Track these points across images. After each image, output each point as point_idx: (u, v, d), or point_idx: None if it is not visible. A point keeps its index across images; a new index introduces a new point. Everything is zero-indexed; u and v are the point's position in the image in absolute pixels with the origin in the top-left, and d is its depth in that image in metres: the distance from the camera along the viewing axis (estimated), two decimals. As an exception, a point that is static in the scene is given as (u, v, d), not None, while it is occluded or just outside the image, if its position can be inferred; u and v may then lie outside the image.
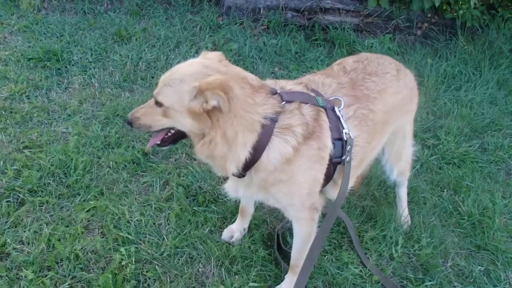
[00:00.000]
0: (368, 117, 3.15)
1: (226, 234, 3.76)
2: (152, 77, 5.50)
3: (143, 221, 3.78)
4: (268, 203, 3.17)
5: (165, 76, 2.74)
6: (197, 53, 5.98)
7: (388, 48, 6.53)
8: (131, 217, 3.78)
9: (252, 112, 2.69)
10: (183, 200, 3.96)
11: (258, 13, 6.81)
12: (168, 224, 3.79)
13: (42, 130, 4.56)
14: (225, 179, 3.12)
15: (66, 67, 5.54)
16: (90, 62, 5.66)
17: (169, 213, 3.86)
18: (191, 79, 2.62)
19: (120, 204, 3.88)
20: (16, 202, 3.81)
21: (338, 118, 2.97)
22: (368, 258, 3.76)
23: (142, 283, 3.38)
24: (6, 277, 3.29)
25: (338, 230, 3.95)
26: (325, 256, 3.74)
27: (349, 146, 2.95)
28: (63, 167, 4.13)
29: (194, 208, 3.90)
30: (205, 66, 2.72)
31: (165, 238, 3.67)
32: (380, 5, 6.92)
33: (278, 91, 2.85)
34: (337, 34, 6.67)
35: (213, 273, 3.50)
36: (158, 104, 2.71)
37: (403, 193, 4.17)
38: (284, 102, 2.80)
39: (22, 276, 3.30)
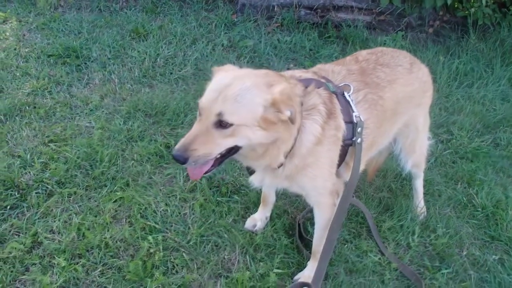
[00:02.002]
0: (377, 103, 3.21)
1: (249, 223, 3.86)
2: (171, 73, 5.60)
3: (168, 211, 3.87)
4: (291, 190, 3.24)
5: (219, 94, 2.53)
6: (213, 49, 6.11)
7: (401, 46, 6.60)
8: (157, 207, 3.87)
9: (298, 100, 2.78)
10: (207, 191, 4.05)
11: (272, 10, 6.90)
12: (193, 214, 3.88)
13: (66, 124, 4.66)
14: (250, 172, 3.14)
15: (85, 63, 5.64)
16: (109, 59, 5.75)
17: (193, 203, 3.95)
18: (259, 91, 2.55)
19: (146, 195, 3.97)
20: (45, 194, 3.92)
21: (348, 102, 3.03)
22: (386, 246, 3.85)
23: (171, 270, 3.49)
24: (40, 265, 3.40)
25: (357, 220, 4.05)
26: (345, 244, 3.84)
27: (359, 128, 3.01)
28: (89, 159, 4.23)
29: (218, 198, 3.99)
30: (255, 75, 2.70)
31: (191, 227, 3.77)
32: (392, 3, 6.99)
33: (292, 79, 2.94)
34: (350, 32, 6.76)
35: (238, 260, 3.60)
36: (224, 125, 2.51)
37: (419, 185, 4.24)
38: (304, 87, 2.88)
39: (54, 264, 3.40)
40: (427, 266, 3.78)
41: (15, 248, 3.46)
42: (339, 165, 3.14)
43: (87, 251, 3.53)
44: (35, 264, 3.40)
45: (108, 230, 3.67)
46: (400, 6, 7.07)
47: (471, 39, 6.91)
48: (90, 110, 4.91)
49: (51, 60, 5.62)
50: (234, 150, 2.67)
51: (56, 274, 3.35)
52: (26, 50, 5.77)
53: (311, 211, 3.71)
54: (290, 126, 2.66)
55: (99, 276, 3.39)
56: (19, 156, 4.23)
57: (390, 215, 4.14)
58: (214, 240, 3.71)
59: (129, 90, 5.24)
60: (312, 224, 3.77)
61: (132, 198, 3.91)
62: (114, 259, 3.49)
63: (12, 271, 3.32)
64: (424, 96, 3.69)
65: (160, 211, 3.86)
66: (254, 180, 3.17)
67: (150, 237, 3.64)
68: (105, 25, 6.51)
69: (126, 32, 6.27)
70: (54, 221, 3.71)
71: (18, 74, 5.34)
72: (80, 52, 5.70)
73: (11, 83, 5.18)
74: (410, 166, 3.98)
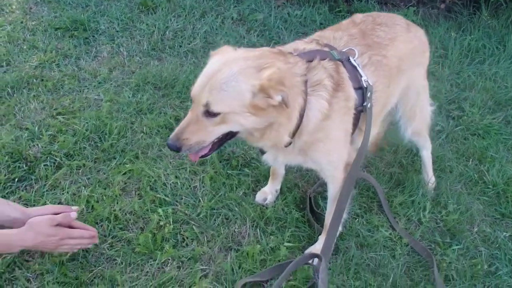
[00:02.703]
0: (382, 62, 3.18)
1: (259, 196, 3.83)
2: (180, 46, 5.53)
3: (178, 183, 3.84)
4: (306, 165, 3.22)
5: (206, 82, 2.54)
6: (223, 23, 6.04)
7: (412, 21, 6.49)
8: (166, 180, 3.85)
9: (297, 80, 2.71)
10: (217, 164, 4.02)
11: (283, -16, 6.80)
12: (203, 187, 3.86)
13: (74, 97, 4.62)
14: (262, 151, 3.11)
15: (93, 36, 5.57)
16: (117, 32, 5.68)
17: (203, 176, 3.93)
18: (246, 77, 2.52)
19: (155, 168, 3.94)
20: (53, 166, 3.88)
21: (355, 67, 3.00)
22: (397, 222, 3.83)
23: (180, 242, 3.47)
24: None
25: (368, 195, 4.02)
26: (356, 219, 3.82)
27: (369, 93, 3.00)
28: (98, 132, 4.20)
29: (228, 171, 3.96)
30: (246, 58, 2.62)
31: (201, 200, 3.75)
32: (404, -23, 6.91)
33: (296, 53, 2.87)
34: (361, 6, 6.66)
35: (248, 233, 3.59)
36: (212, 114, 2.52)
37: (426, 157, 4.17)
38: (307, 63, 2.81)
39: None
40: (438, 242, 3.76)
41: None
42: (352, 132, 3.14)
43: (96, 223, 3.51)
44: (44, 235, 3.36)
45: (117, 203, 3.64)
46: (412, -20, 6.97)
47: (483, 15, 6.80)
48: (99, 83, 4.86)
49: (59, 33, 5.55)
50: (230, 135, 2.71)
51: (65, 245, 3.30)
52: (33, 23, 5.70)
53: (321, 185, 3.75)
54: (285, 109, 2.60)
55: (108, 249, 3.37)
56: (26, 129, 4.19)
57: (401, 190, 4.11)
58: (224, 213, 3.69)
59: (138, 63, 5.19)
60: (323, 198, 3.80)
61: (141, 171, 3.88)
62: (124, 232, 3.47)
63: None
64: (423, 56, 3.65)
65: (170, 184, 3.83)
66: (268, 159, 3.16)
67: (160, 210, 3.61)
68: (113, -3, 6.42)
69: (134, 5, 6.18)
70: (63, 194, 3.69)
71: (25, 47, 5.28)
72: (88, 25, 5.63)
73: (18, 56, 5.13)
74: (410, 133, 3.85)
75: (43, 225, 2.95)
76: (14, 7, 5.98)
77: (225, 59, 2.60)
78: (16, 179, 3.74)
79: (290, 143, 2.84)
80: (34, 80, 4.77)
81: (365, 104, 3.01)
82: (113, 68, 5.08)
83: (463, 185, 4.31)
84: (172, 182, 3.84)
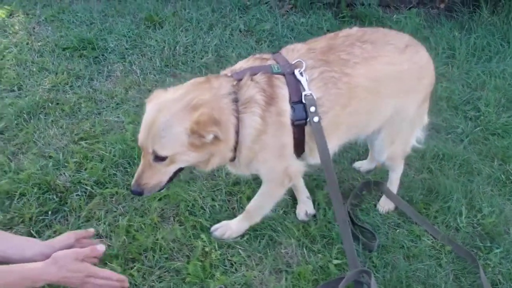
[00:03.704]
0: (340, 80, 3.06)
1: (300, 213, 3.79)
2: (192, 61, 5.45)
3: (216, 206, 3.77)
4: (257, 173, 3.34)
5: (148, 131, 2.75)
6: (231, 35, 5.96)
7: (415, 23, 6.49)
8: (204, 203, 3.77)
9: (225, 101, 2.86)
10: (251, 183, 3.94)
11: (285, -8, 6.75)
12: (242, 208, 3.76)
13: (94, 120, 4.52)
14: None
15: (103, 55, 5.47)
16: (127, 49, 5.59)
17: (240, 196, 3.86)
18: (178, 121, 2.71)
19: (190, 191, 3.85)
20: (85, 196, 3.78)
21: (298, 81, 2.97)
22: (437, 229, 3.78)
23: (229, 268, 3.38)
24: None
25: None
26: (397, 229, 3.79)
27: (312, 107, 2.96)
28: (126, 156, 4.10)
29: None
30: (175, 100, 2.79)
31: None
32: (404, -22, 6.89)
33: (229, 74, 3.02)
34: (363, 11, 6.62)
35: (296, 253, 3.52)
36: (160, 158, 2.76)
37: (393, 178, 4.00)
38: (236, 81, 2.91)
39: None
40: (479, 246, 3.71)
41: (64, 255, 3.31)
42: (298, 146, 3.14)
43: (140, 254, 3.40)
44: (88, 270, 3.25)
45: (158, 231, 3.53)
46: (411, -19, 6.96)
47: (483, 13, 6.79)
48: (117, 104, 4.77)
49: (67, 53, 5.45)
50: (179, 169, 2.93)
51: (112, 281, 3.20)
52: (39, 44, 5.59)
53: (356, 197, 3.83)
54: (221, 141, 2.80)
55: (157, 281, 3.27)
56: (50, 157, 4.09)
57: (435, 196, 4.06)
58: (268, 235, 3.61)
59: (153, 80, 5.11)
60: (361, 210, 3.73)
61: (177, 195, 3.78)
62: (170, 262, 3.37)
63: None
64: (418, 82, 3.40)
65: (208, 207, 3.75)
66: (233, 170, 3.34)
67: (203, 235, 3.53)
68: (116, 14, 6.31)
69: (140, 21, 6.10)
70: (99, 224, 3.59)
71: (34, 69, 5.18)
72: (96, 44, 5.53)
73: (29, 80, 5.03)
74: (385, 158, 3.72)
75: (67, 259, 2.86)
76: (17, 27, 5.87)
77: (158, 105, 2.78)
78: (49, 212, 3.62)
79: (234, 158, 3.04)
80: (50, 104, 4.67)
81: (308, 119, 2.99)
82: (128, 87, 4.99)
83: (493, 186, 4.27)
84: (210, 205, 3.76)
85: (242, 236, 3.59)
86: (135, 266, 3.32)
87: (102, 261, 3.29)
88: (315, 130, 2.99)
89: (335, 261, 3.48)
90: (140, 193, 2.88)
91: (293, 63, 3.02)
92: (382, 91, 3.23)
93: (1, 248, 2.94)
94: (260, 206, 3.48)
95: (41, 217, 3.60)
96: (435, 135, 4.74)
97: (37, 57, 5.38)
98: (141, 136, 2.78)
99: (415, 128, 3.67)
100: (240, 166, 3.13)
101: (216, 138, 2.74)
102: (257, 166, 3.17)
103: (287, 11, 6.59)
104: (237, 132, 2.89)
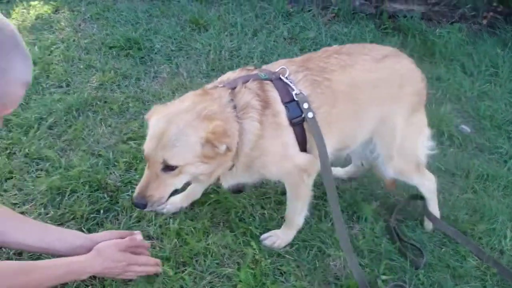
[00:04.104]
0: (322, 83, 3.16)
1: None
2: (237, 66, 5.44)
3: (266, 214, 3.77)
4: (255, 179, 3.39)
5: (158, 141, 2.74)
6: (275, 41, 5.98)
7: (457, 38, 6.48)
8: (253, 211, 3.77)
9: (228, 110, 2.91)
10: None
11: (327, 1, 6.78)
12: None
13: (142, 121, 4.51)
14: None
15: (149, 55, 5.51)
16: (173, 51, 5.62)
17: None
18: (193, 130, 2.73)
19: (240, 198, 3.86)
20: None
21: (286, 83, 3.07)
22: (482, 250, 3.76)
23: (279, 277, 3.39)
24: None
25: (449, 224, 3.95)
26: (442, 248, 3.77)
27: (305, 103, 3.04)
28: (175, 159, 4.10)
29: (314, 201, 3.84)
30: (185, 111, 2.82)
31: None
32: (447, -7, 6.90)
33: (221, 84, 3.08)
34: (407, 23, 6.62)
35: (343, 266, 3.51)
36: (170, 168, 2.74)
37: (426, 193, 3.89)
38: (230, 90, 2.99)
39: (160, 272, 3.26)
40: (525, 270, 3.68)
41: (116, 256, 3.34)
42: (303, 143, 3.16)
43: (191, 258, 3.41)
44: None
45: (209, 236, 3.55)
46: (455, -4, 6.96)
47: (526, 31, 6.78)
48: (164, 105, 4.77)
49: (114, 52, 5.49)
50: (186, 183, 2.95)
51: (163, 283, 3.21)
52: (86, 41, 5.64)
53: (400, 211, 3.87)
54: (230, 152, 2.85)
55: (208, 286, 3.27)
56: (100, 155, 4.11)
57: (480, 217, 4.05)
58: (317, 246, 3.61)
59: (199, 84, 5.07)
60: (408, 227, 3.74)
61: (228, 201, 3.79)
62: (222, 268, 3.37)
63: (115, 281, 3.15)
64: (400, 91, 3.39)
65: (258, 215, 3.75)
66: (224, 184, 3.34)
67: (253, 243, 3.53)
68: (161, 15, 6.36)
69: (184, 23, 6.14)
70: (149, 226, 3.59)
71: (82, 66, 5.22)
72: (142, 44, 5.57)
73: (77, 76, 5.06)
74: (392, 172, 3.63)
75: (111, 250, 2.91)
76: (63, 23, 5.92)
77: (167, 117, 2.80)
78: (101, 211, 3.64)
79: (233, 165, 3.04)
80: (98, 102, 4.70)
81: (303, 115, 3.04)
82: (175, 89, 5.01)
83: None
84: (260, 213, 3.76)
85: (292, 245, 3.59)
86: (186, 269, 3.32)
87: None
88: (311, 125, 3.04)
89: (383, 277, 3.47)
90: (144, 206, 2.82)
91: (276, 71, 3.13)
92: (360, 97, 3.28)
93: (48, 240, 2.98)
94: (293, 209, 3.47)
95: (92, 215, 3.61)
96: (478, 154, 4.75)
97: (84, 54, 5.42)
98: (148, 147, 2.76)
99: (414, 139, 3.59)
100: (237, 174, 3.15)
101: (228, 149, 2.78)
102: (264, 171, 3.20)
103: (330, 20, 6.61)
104: (239, 139, 2.92)
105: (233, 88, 2.98)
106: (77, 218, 3.58)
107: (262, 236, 3.62)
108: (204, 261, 3.40)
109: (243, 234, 3.62)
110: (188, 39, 5.84)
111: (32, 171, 3.96)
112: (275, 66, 3.22)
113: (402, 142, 3.49)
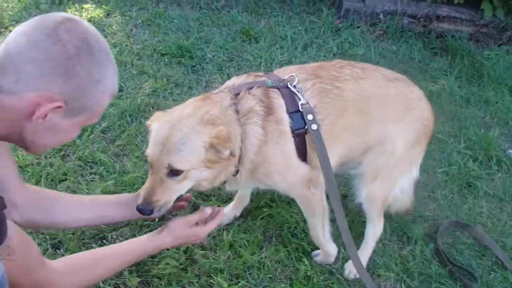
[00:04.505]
0: (331, 92, 3.12)
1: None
2: (288, 80, 5.50)
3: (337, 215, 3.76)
4: (262, 188, 3.40)
5: (162, 146, 2.71)
6: (325, 56, 5.99)
7: (505, 60, 6.45)
8: (305, 227, 3.75)
9: (230, 113, 2.92)
10: (354, 210, 3.94)
11: (376, 17, 6.79)
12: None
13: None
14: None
15: (201, 64, 5.55)
16: (224, 61, 5.66)
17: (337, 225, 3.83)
18: (196, 134, 2.72)
19: (293, 213, 3.88)
20: (189, 207, 3.77)
21: (293, 93, 3.03)
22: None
23: (330, 295, 3.39)
24: (197, 284, 3.31)
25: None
26: (490, 274, 3.76)
27: (309, 115, 2.99)
28: (228, 170, 4.13)
29: (363, 219, 3.88)
30: (188, 116, 2.79)
31: (342, 250, 3.67)
32: (495, 15, 6.86)
33: (225, 90, 3.08)
34: (455, 43, 6.60)
35: (394, 287, 3.53)
36: (175, 173, 2.71)
37: (370, 235, 3.64)
38: (234, 95, 2.98)
39: (213, 284, 3.31)
40: None
41: (169, 264, 3.38)
42: (302, 155, 3.13)
43: (244, 271, 3.45)
44: (193, 282, 3.31)
45: (262, 250, 3.58)
46: (503, 19, 6.92)
47: None
48: (217, 116, 4.81)
49: (166, 59, 5.55)
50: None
51: (218, 294, 3.24)
52: (138, 47, 5.70)
53: (445, 235, 3.86)
54: (232, 158, 2.83)
55: (261, 301, 3.31)
56: (153, 164, 4.14)
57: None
58: (368, 265, 3.63)
59: (250, 96, 5.16)
60: (457, 251, 3.74)
61: (281, 216, 3.83)
62: (275, 283, 3.40)
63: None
64: (408, 113, 3.32)
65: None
66: (232, 187, 3.31)
67: (305, 259, 3.55)
68: (211, 24, 6.41)
69: (235, 34, 6.18)
70: (203, 236, 3.62)
71: (134, 72, 5.27)
72: (193, 53, 5.62)
73: (130, 82, 5.12)
74: (363, 197, 3.45)
75: (181, 229, 2.91)
76: (115, 28, 5.99)
77: (170, 123, 2.77)
78: (156, 219, 3.66)
79: (237, 172, 3.02)
80: (151, 109, 4.74)
81: (306, 127, 3.01)
82: (226, 100, 5.03)
83: None
84: (312, 229, 3.75)
85: (343, 263, 3.60)
86: (239, 282, 3.35)
87: (205, 274, 3.36)
88: (314, 137, 3.00)
89: (433, 301, 3.46)
90: (150, 212, 2.77)
91: (285, 78, 3.11)
92: (369, 110, 3.24)
93: (103, 211, 3.05)
94: (314, 228, 3.43)
95: (146, 222, 3.65)
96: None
97: (136, 60, 5.48)
98: (152, 152, 2.74)
99: (401, 171, 3.45)
100: (241, 181, 3.12)
101: (231, 153, 2.77)
102: (262, 180, 3.17)
103: (378, 37, 6.62)
104: (242, 143, 2.93)
105: (237, 94, 2.99)
106: (131, 225, 3.64)
107: (313, 253, 3.64)
108: (258, 274, 3.43)
109: (295, 250, 3.64)
110: (239, 50, 5.88)
111: (86, 174, 4.03)
112: (286, 72, 3.18)
113: (392, 169, 3.38)
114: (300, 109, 3.00)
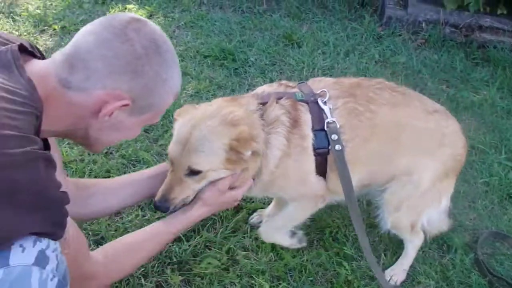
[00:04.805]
0: (363, 114, 3.06)
1: None
2: (330, 86, 5.51)
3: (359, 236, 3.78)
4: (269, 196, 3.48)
5: (183, 146, 2.71)
6: (367, 63, 5.99)
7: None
8: (346, 231, 3.80)
9: (255, 117, 2.89)
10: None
11: (418, 26, 6.76)
12: (381, 241, 3.83)
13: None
14: None
15: (243, 67, 5.59)
16: (267, 65, 5.69)
17: (378, 231, 3.84)
18: (217, 136, 2.70)
19: (334, 217, 3.91)
20: (232, 208, 3.81)
21: (322, 109, 2.99)
22: None
23: (369, 300, 3.40)
24: (239, 284, 3.35)
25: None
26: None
27: (334, 135, 2.95)
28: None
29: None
30: (210, 116, 2.79)
31: (383, 256, 3.71)
32: (539, 27, 6.80)
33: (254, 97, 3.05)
34: (496, 54, 6.53)
35: (431, 294, 3.50)
36: (195, 172, 2.72)
37: (409, 249, 3.65)
38: (261, 102, 2.96)
39: (254, 285, 3.34)
40: None
41: (211, 264, 3.43)
42: (322, 173, 3.11)
43: (286, 273, 3.48)
44: (234, 283, 3.36)
45: (303, 253, 3.60)
46: (547, 30, 6.86)
47: None
48: (259, 119, 4.84)
49: (208, 61, 5.60)
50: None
51: (259, 296, 3.27)
52: (181, 48, 5.76)
53: (485, 241, 3.88)
54: (256, 158, 2.82)
55: (302, 303, 3.33)
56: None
57: None
58: (408, 272, 3.65)
59: (302, 99, 5.18)
60: (497, 261, 3.72)
61: (323, 220, 3.85)
62: (315, 286, 3.43)
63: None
64: (439, 149, 3.26)
65: (352, 236, 3.78)
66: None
67: (345, 263, 3.58)
68: (254, 28, 6.45)
69: (278, 38, 6.21)
70: (245, 238, 3.67)
71: (177, 73, 5.30)
72: (236, 55, 5.66)
73: (173, 82, 5.15)
74: (390, 226, 3.47)
75: (214, 197, 2.88)
76: (159, 29, 6.03)
77: (192, 121, 2.77)
78: (201, 220, 3.71)
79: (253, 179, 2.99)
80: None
81: (329, 147, 2.99)
82: (269, 104, 5.06)
83: None
84: (353, 235, 3.76)
85: (384, 269, 3.62)
86: (281, 284, 3.39)
87: (247, 275, 3.40)
88: (337, 158, 2.98)
89: (473, 311, 3.45)
90: (166, 209, 2.78)
91: (317, 92, 3.05)
92: (402, 141, 3.18)
93: (141, 190, 3.08)
94: (288, 220, 3.42)
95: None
96: None
97: (179, 61, 5.44)
98: (174, 150, 2.75)
99: (428, 203, 3.38)
100: (253, 190, 3.09)
101: (253, 154, 2.76)
102: (281, 193, 3.23)
103: (419, 45, 6.59)
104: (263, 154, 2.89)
105: (265, 103, 2.96)
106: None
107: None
108: (299, 277, 3.46)
109: (336, 254, 3.66)
110: (281, 54, 5.90)
111: (129, 172, 4.07)
112: (320, 85, 3.13)
113: (417, 201, 3.32)
114: (325, 127, 2.97)
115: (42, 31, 5.94)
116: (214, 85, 5.22)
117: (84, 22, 5.85)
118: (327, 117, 2.96)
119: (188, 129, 2.73)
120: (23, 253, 1.88)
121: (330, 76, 5.59)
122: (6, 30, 5.79)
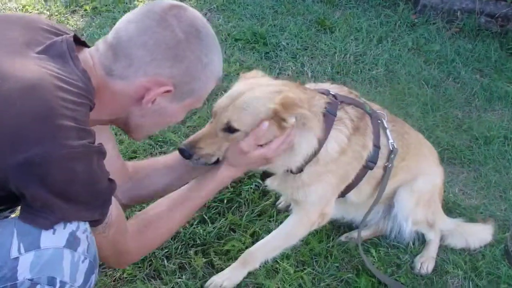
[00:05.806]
0: (403, 136, 3.29)
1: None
2: (361, 72, 5.47)
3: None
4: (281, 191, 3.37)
5: (231, 101, 2.67)
6: (400, 50, 5.93)
7: None
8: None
9: (314, 109, 2.81)
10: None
11: (453, 14, 6.67)
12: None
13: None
14: (267, 175, 3.10)
15: (274, 51, 5.56)
16: (298, 49, 5.66)
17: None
18: (265, 101, 2.64)
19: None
20: (258, 191, 3.83)
21: (380, 127, 3.11)
22: None
23: (394, 286, 3.37)
24: (263, 268, 3.31)
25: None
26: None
27: (393, 155, 3.12)
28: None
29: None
30: (268, 85, 2.79)
31: (410, 244, 3.68)
32: None
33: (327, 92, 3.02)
34: (531, 44, 6.42)
35: (461, 284, 3.48)
36: (231, 130, 2.63)
37: (432, 238, 3.66)
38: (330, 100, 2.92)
39: (278, 269, 3.31)
40: None
41: (236, 246, 3.41)
42: (351, 187, 3.16)
43: (311, 258, 3.45)
44: (259, 267, 3.31)
45: (329, 238, 3.57)
46: None
47: None
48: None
49: (239, 45, 5.58)
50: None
51: (283, 280, 3.26)
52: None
53: None
54: (301, 131, 2.74)
55: (327, 288, 3.29)
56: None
57: None
58: (436, 261, 3.60)
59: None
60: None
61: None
62: (341, 272, 3.39)
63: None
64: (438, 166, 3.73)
65: (379, 223, 3.73)
66: (270, 184, 3.19)
67: (372, 251, 3.56)
68: (286, 12, 6.40)
69: (310, 23, 6.17)
70: (271, 221, 3.64)
71: (209, 55, 5.29)
72: (268, 39, 5.63)
73: (203, 65, 5.14)
74: (411, 223, 3.48)
75: (239, 158, 2.74)
76: (190, 10, 6.01)
77: (252, 84, 2.76)
78: (224, 200, 3.72)
79: (301, 170, 2.90)
80: (223, 92, 4.71)
81: (386, 163, 3.15)
82: (299, 88, 5.03)
83: None
84: (378, 222, 3.73)
85: (411, 257, 3.60)
86: (305, 269, 3.36)
87: (274, 260, 3.35)
88: (387, 175, 3.15)
89: (501, 301, 3.39)
90: (188, 155, 2.66)
91: (378, 111, 3.21)
92: (420, 154, 3.55)
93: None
94: (276, 246, 3.31)
95: (214, 204, 3.68)
96: None
97: (210, 43, 5.50)
98: (220, 104, 2.72)
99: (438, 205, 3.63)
100: (295, 183, 3.01)
101: (298, 122, 2.68)
102: (299, 192, 3.08)
103: (454, 34, 6.49)
104: (320, 145, 2.84)
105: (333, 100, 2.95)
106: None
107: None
108: (324, 263, 3.43)
109: (363, 241, 3.62)
110: (313, 39, 5.86)
111: (156, 153, 4.09)
112: (374, 107, 3.26)
113: (432, 195, 3.53)
114: (390, 147, 3.13)
115: (73, 12, 5.96)
116: (244, 68, 5.17)
117: (115, 3, 5.92)
118: (388, 138, 3.14)
119: (243, 87, 2.74)
120: (54, 235, 1.89)
121: (362, 62, 5.55)
122: (38, 10, 5.83)
